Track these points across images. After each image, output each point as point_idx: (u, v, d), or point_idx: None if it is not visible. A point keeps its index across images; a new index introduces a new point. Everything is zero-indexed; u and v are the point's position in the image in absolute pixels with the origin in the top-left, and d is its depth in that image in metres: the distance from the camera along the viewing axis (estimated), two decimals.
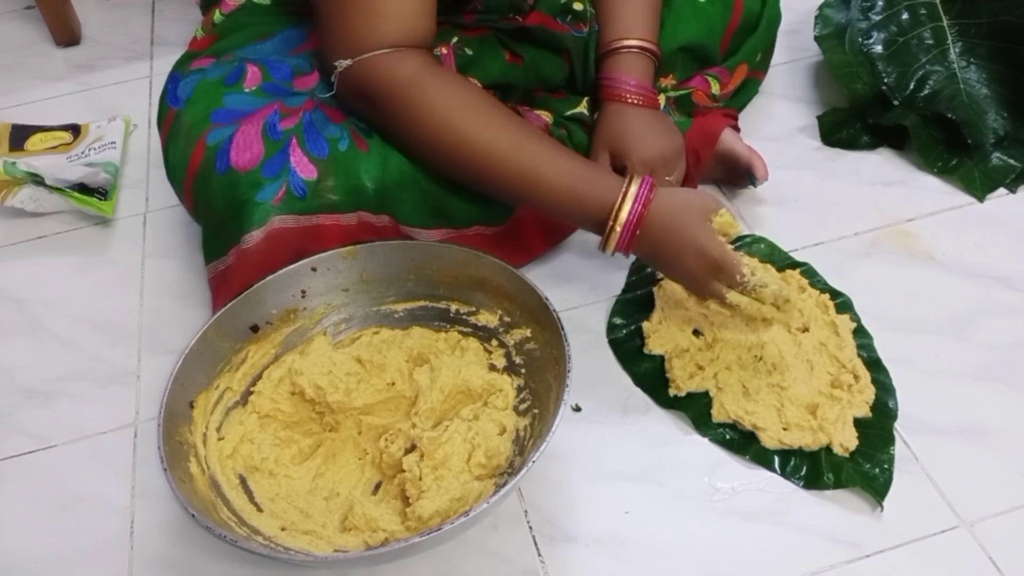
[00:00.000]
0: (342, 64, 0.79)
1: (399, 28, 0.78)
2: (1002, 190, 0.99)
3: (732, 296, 0.78)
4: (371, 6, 0.77)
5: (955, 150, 1.01)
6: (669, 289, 0.88)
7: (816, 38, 1.10)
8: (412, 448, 0.75)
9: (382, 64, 0.78)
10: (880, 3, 1.06)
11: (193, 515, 0.64)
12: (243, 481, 0.75)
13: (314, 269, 0.83)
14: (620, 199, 0.77)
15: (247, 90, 0.84)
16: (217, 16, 0.93)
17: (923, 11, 1.05)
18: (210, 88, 0.84)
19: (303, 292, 0.84)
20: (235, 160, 0.80)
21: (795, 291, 0.84)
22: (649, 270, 0.91)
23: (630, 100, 0.90)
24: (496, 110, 0.81)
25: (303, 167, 0.80)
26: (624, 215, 0.76)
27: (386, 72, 0.79)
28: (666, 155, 0.88)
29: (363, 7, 0.78)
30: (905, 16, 1.05)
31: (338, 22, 0.79)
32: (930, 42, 1.04)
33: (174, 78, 0.87)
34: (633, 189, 0.77)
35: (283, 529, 0.72)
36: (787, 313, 0.80)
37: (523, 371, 0.81)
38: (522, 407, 0.79)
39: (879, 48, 1.04)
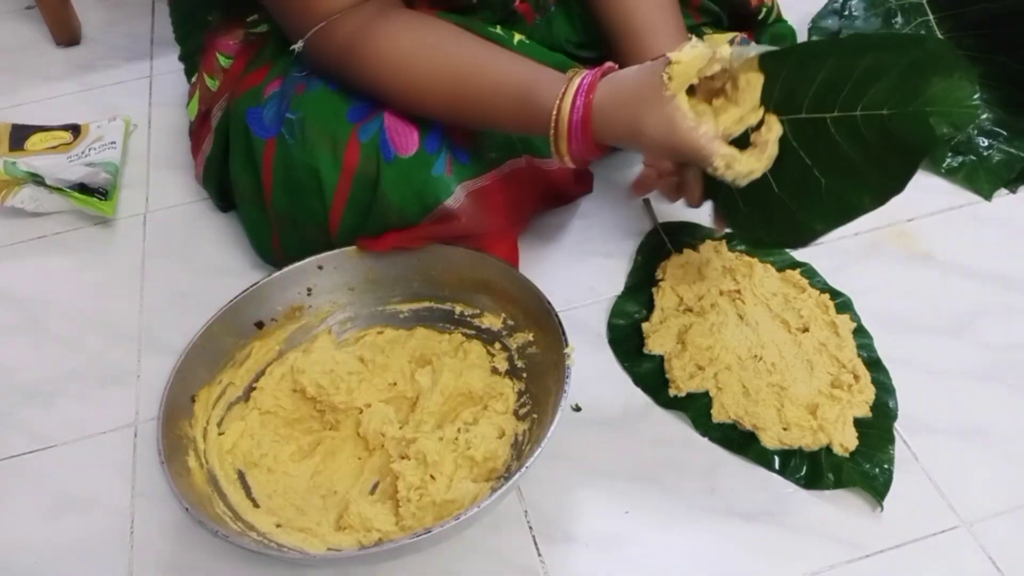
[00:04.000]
0: (298, 47, 0.80)
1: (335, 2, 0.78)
2: (1002, 190, 0.99)
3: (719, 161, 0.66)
4: None
5: (958, 149, 1.00)
6: (669, 289, 0.88)
7: None
8: (409, 450, 0.75)
9: (324, 35, 0.79)
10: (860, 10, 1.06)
11: (187, 508, 0.64)
12: (241, 476, 0.76)
13: (320, 267, 0.83)
14: (562, 92, 0.69)
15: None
16: (223, 60, 0.94)
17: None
18: (326, 97, 0.84)
19: (309, 290, 0.84)
20: (398, 146, 0.80)
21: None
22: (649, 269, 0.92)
23: None
24: (444, 35, 0.79)
25: (455, 135, 0.82)
26: (566, 110, 0.69)
27: (328, 41, 0.79)
28: None
29: None
30: (897, 19, 1.05)
31: (281, 8, 0.81)
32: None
33: (251, 113, 0.87)
34: (576, 81, 0.69)
35: (278, 526, 0.72)
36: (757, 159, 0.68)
37: (524, 375, 0.81)
38: (522, 411, 0.79)
39: None
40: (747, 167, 0.67)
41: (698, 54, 0.65)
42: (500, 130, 0.82)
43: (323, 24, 0.79)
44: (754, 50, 0.66)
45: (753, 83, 0.66)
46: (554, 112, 0.70)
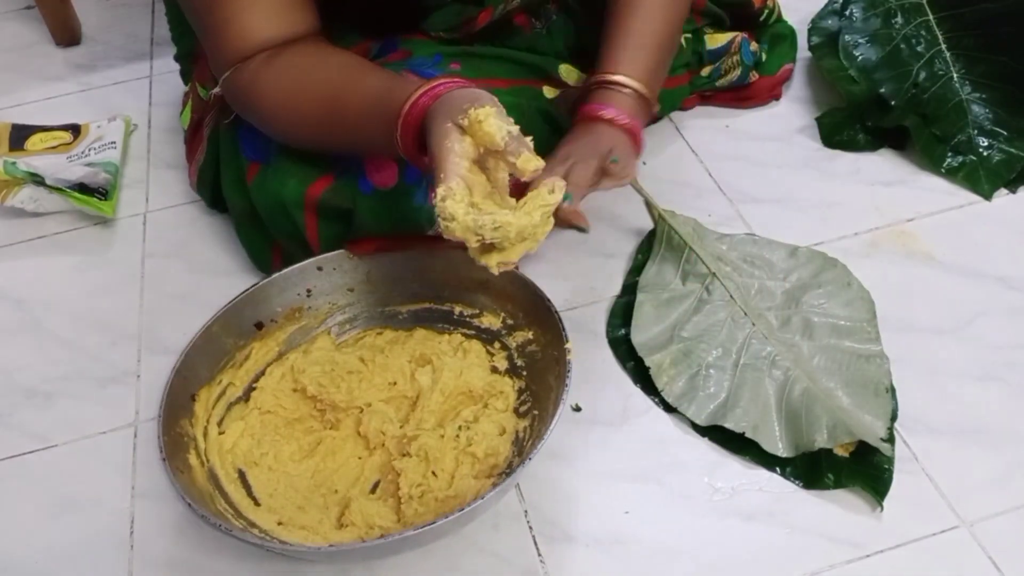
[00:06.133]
0: (215, 92, 0.82)
1: (244, 45, 0.79)
2: (1002, 190, 0.99)
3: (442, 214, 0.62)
4: (221, 30, 0.79)
5: (958, 149, 1.00)
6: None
7: (811, 48, 1.10)
8: (411, 447, 0.75)
9: (228, 81, 0.80)
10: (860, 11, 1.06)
11: (189, 504, 0.65)
12: (242, 475, 0.76)
13: (320, 268, 0.83)
14: (417, 87, 0.69)
15: None
16: None
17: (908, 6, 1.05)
18: None
19: (308, 291, 0.84)
20: (376, 181, 0.81)
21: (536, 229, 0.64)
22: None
23: (605, 118, 0.86)
24: (323, 63, 0.79)
25: None
26: (407, 107, 0.68)
27: (232, 87, 0.80)
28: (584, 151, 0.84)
29: (214, 34, 0.79)
30: (897, 19, 1.05)
31: (206, 48, 0.82)
32: (920, 48, 1.04)
33: (244, 133, 0.87)
34: (434, 82, 0.69)
35: (280, 524, 0.72)
36: (506, 252, 0.64)
37: (524, 373, 0.81)
38: (522, 409, 0.79)
39: (872, 56, 1.04)
40: (453, 212, 0.61)
41: (496, 128, 0.62)
42: (374, 148, 0.77)
43: (225, 76, 0.80)
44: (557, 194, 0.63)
45: (541, 202, 0.63)
46: (405, 106, 0.69)
